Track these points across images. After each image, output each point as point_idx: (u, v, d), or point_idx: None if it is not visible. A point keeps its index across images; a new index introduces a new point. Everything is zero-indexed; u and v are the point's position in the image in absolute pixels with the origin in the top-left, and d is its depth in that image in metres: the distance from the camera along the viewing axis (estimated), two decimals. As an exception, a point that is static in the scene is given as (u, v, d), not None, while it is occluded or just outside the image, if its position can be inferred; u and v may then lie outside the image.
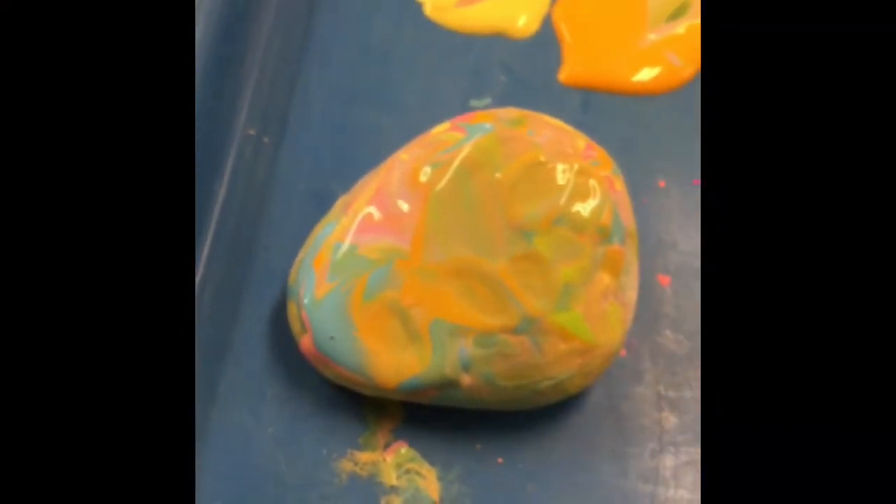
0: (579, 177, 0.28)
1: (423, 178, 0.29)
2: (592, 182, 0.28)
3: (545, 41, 0.38)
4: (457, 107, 0.36)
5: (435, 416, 0.30)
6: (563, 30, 0.38)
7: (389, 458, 0.30)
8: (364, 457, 0.30)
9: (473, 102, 0.36)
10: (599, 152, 0.30)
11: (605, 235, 0.28)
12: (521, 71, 0.37)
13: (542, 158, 0.28)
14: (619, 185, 0.29)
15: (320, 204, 0.34)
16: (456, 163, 0.29)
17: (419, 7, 0.38)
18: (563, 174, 0.28)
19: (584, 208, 0.28)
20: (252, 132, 0.35)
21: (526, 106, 0.32)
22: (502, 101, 0.36)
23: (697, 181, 0.35)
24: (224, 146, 0.34)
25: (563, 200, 0.28)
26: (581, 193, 0.28)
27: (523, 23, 0.38)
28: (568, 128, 0.30)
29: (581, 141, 0.30)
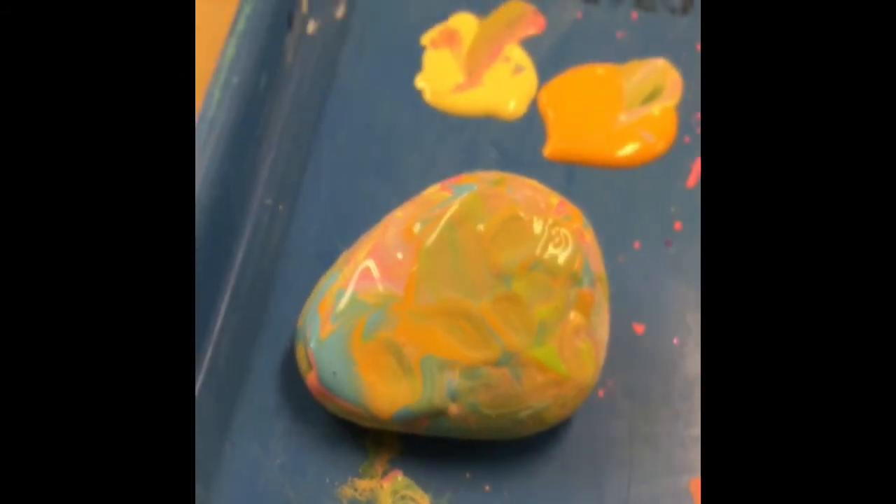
0: (553, 228, 0.32)
1: (415, 231, 0.33)
2: (565, 232, 0.32)
3: (532, 122, 0.42)
4: (452, 179, 0.40)
5: (429, 447, 0.33)
6: (548, 112, 0.42)
7: (386, 485, 0.33)
8: (363, 484, 0.33)
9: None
10: (571, 208, 0.33)
11: (576, 280, 0.32)
12: (510, 148, 0.41)
13: (520, 213, 0.32)
14: (589, 236, 0.33)
15: (327, 263, 0.37)
16: (444, 218, 0.32)
17: (419, 93, 0.43)
18: (538, 226, 0.32)
19: (558, 256, 0.32)
20: (269, 202, 0.39)
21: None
22: (493, 173, 0.40)
23: (670, 242, 0.38)
24: (243, 214, 0.38)
25: (538, 249, 0.32)
26: (554, 243, 0.32)
27: (513, 106, 0.42)
28: (542, 187, 0.34)
29: (554, 198, 0.33)
